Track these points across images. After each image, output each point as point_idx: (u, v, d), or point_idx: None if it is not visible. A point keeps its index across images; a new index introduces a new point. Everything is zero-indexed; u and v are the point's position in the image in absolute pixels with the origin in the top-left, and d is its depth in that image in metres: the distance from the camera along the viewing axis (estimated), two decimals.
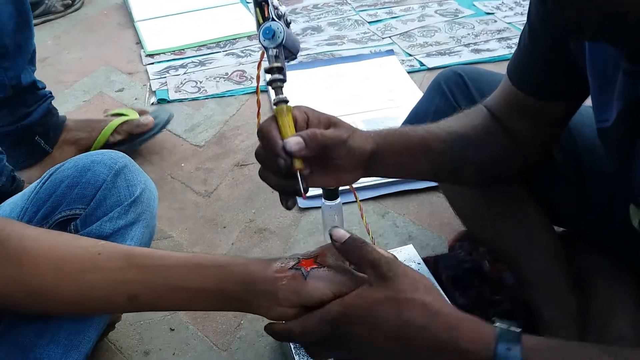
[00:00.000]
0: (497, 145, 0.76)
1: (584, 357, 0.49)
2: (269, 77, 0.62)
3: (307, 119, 0.62)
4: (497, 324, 0.51)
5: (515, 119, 0.76)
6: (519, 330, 0.50)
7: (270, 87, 0.62)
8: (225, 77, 1.70)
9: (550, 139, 0.78)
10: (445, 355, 0.50)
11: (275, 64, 0.61)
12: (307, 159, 0.60)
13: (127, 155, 0.77)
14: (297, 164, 0.58)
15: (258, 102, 0.73)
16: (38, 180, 0.74)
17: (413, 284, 0.53)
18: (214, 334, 0.93)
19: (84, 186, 0.71)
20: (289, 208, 0.62)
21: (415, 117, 0.96)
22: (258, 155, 0.62)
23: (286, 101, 0.61)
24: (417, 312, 0.50)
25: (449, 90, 0.93)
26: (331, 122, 0.63)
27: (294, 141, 0.58)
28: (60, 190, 0.71)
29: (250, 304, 0.57)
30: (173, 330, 0.93)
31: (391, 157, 0.70)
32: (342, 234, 0.58)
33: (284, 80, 0.62)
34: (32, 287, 0.58)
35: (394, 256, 0.57)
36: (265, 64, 0.64)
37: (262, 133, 0.60)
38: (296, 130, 0.60)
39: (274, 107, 0.61)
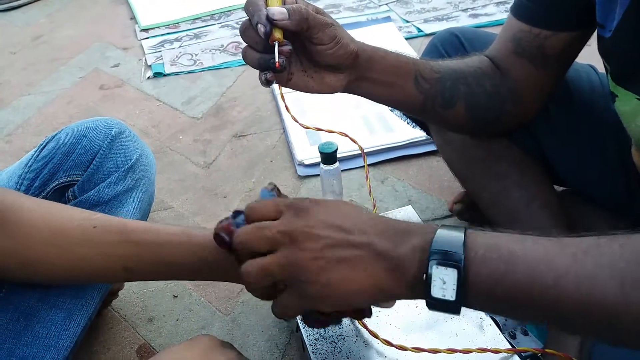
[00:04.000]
0: (491, 84, 0.75)
1: (522, 239, 0.45)
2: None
3: (295, 2, 0.61)
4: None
5: (516, 59, 0.74)
6: None
7: None
8: (221, 49, 1.68)
9: (545, 87, 0.77)
10: (395, 231, 0.47)
11: None
12: (289, 36, 0.59)
13: (122, 122, 0.77)
14: (277, 33, 0.58)
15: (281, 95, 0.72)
16: (35, 149, 0.74)
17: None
18: (216, 299, 0.93)
19: (80, 153, 0.71)
20: (267, 83, 0.61)
21: None
22: (242, 26, 0.61)
23: None
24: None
25: (445, 52, 0.91)
26: (319, 11, 0.63)
27: (277, 10, 0.58)
28: (56, 157, 0.71)
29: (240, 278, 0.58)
30: (176, 297, 0.94)
31: (378, 71, 0.69)
32: None
33: None
34: (25, 258, 0.58)
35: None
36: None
37: (250, 2, 0.60)
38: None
39: None
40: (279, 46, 0.59)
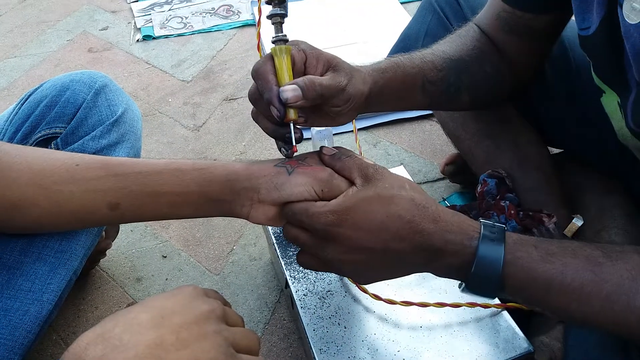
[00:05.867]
0: (491, 66, 0.75)
1: (567, 248, 0.49)
2: (269, 9, 0.57)
3: (304, 59, 0.57)
4: (482, 221, 0.51)
5: (505, 36, 0.74)
6: (503, 226, 0.50)
7: (270, 21, 0.57)
8: (212, 12, 1.65)
9: (540, 55, 0.77)
10: (427, 250, 0.49)
11: None
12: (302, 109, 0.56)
13: (107, 75, 0.74)
14: (291, 114, 0.54)
15: (258, 34, 0.65)
16: (17, 102, 0.72)
17: (400, 182, 0.52)
18: (206, 259, 0.92)
19: (63, 105, 0.69)
20: (287, 156, 0.58)
21: (407, 39, 0.94)
22: (251, 95, 0.57)
23: (285, 40, 0.55)
24: (404, 206, 0.49)
25: (441, 9, 0.90)
26: (330, 65, 0.58)
27: (290, 90, 0.53)
28: (39, 109, 0.69)
29: (232, 204, 0.55)
30: (165, 257, 0.93)
31: (389, 95, 0.66)
32: (331, 149, 0.57)
33: (284, 15, 0.57)
34: (10, 201, 0.56)
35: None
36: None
37: (258, 74, 0.55)
38: (293, 72, 0.56)
39: (272, 44, 0.56)
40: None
